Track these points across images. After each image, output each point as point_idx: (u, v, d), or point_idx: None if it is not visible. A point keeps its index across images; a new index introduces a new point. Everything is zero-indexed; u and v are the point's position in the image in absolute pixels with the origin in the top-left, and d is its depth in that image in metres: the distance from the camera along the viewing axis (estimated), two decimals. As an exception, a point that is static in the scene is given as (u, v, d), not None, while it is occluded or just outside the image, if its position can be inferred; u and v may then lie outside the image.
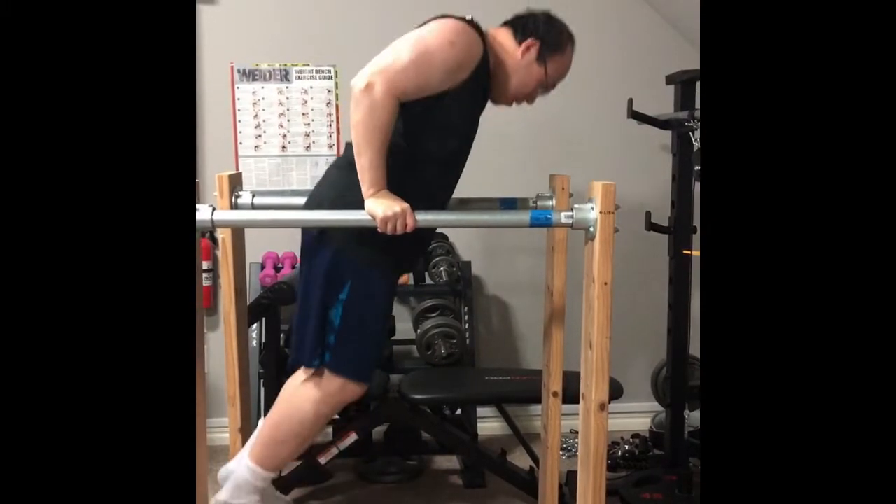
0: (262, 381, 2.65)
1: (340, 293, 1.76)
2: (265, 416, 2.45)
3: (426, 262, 2.91)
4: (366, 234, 1.71)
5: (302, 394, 1.84)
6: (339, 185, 1.79)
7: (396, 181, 1.65)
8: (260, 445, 1.88)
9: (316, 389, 1.82)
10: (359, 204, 1.64)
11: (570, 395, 1.94)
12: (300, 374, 1.85)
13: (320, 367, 1.80)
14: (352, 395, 1.83)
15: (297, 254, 2.84)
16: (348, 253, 1.76)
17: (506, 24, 1.82)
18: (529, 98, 1.86)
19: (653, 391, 3.07)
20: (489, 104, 1.86)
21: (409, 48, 1.61)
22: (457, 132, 1.79)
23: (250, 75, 2.90)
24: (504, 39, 1.79)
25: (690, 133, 2.40)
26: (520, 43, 1.78)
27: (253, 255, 2.58)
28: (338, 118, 2.95)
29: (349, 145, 1.68)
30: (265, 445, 1.87)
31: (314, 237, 1.80)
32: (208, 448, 1.94)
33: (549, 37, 1.78)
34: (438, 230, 2.90)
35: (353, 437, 2.41)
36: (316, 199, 1.84)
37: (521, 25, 1.79)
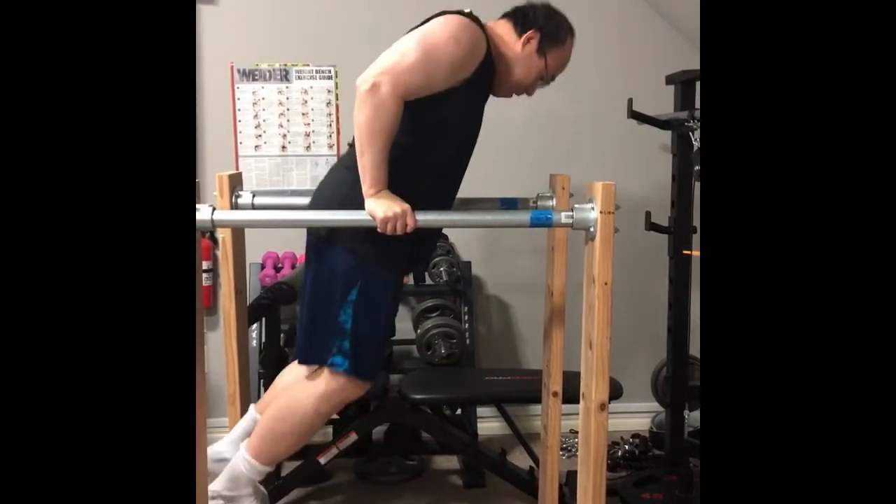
0: (262, 381, 2.65)
1: (350, 294, 1.76)
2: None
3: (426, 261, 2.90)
4: (374, 232, 1.71)
5: (304, 391, 1.84)
6: (348, 183, 1.74)
7: (397, 194, 1.63)
8: (257, 440, 1.88)
9: (318, 387, 1.81)
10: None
11: (570, 395, 1.94)
12: (300, 370, 1.84)
13: (333, 368, 1.80)
14: (354, 393, 1.83)
15: (297, 254, 2.87)
16: (357, 253, 1.75)
17: (505, 16, 1.83)
18: (529, 90, 1.86)
19: (653, 391, 3.07)
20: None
21: (415, 47, 1.60)
22: (459, 133, 1.79)
23: (250, 75, 2.90)
24: (504, 32, 1.79)
25: (690, 133, 2.40)
26: (520, 35, 1.78)
27: (253, 255, 2.58)
28: (338, 118, 2.95)
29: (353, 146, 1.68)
30: (263, 440, 1.87)
31: (321, 236, 1.78)
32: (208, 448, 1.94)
33: (549, 29, 1.79)
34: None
35: (353, 437, 2.40)
36: (324, 198, 1.83)
37: (522, 17, 1.79)
